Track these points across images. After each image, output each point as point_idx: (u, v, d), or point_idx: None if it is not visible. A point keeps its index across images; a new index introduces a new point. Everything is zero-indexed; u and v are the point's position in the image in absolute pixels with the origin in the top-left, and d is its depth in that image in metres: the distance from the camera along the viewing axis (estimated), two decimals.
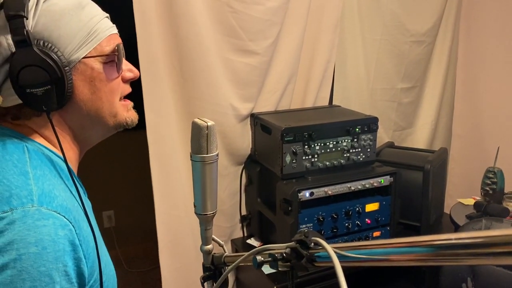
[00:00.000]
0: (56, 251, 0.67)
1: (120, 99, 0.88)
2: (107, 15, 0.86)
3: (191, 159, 0.83)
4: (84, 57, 0.79)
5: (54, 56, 0.75)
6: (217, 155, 0.83)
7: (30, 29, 0.74)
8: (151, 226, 1.86)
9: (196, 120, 0.82)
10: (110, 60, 0.83)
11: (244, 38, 1.84)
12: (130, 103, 0.91)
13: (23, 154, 0.75)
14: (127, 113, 0.89)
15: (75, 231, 0.71)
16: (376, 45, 2.29)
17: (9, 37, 0.73)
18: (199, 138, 0.81)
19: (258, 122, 1.92)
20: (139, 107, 1.75)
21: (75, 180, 0.80)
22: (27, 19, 0.73)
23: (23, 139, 0.78)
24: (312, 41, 2.08)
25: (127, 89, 0.90)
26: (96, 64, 0.81)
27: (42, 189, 0.71)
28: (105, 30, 0.83)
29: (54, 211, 0.69)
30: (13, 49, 0.73)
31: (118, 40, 0.86)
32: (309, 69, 2.11)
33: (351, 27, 2.21)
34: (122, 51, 0.86)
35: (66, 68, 0.77)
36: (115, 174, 3.33)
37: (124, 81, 0.89)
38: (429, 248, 0.51)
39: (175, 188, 1.86)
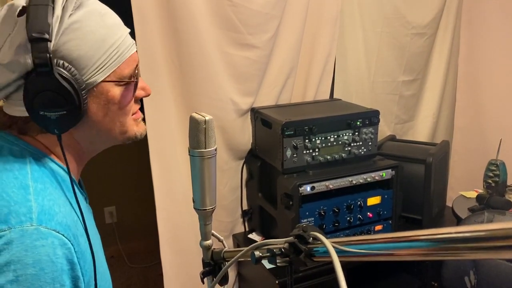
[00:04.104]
0: (54, 271, 0.66)
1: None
2: (129, 30, 0.83)
3: (189, 154, 0.82)
4: (102, 81, 0.77)
5: (73, 82, 0.72)
6: (216, 149, 0.82)
7: (51, 48, 0.70)
8: (153, 222, 1.85)
9: (194, 114, 0.80)
10: (128, 84, 0.81)
11: (243, 32, 1.83)
12: (139, 116, 0.89)
13: (25, 166, 0.73)
14: (136, 128, 0.88)
15: (74, 249, 0.70)
16: (377, 38, 2.27)
17: (29, 56, 0.69)
18: (197, 133, 0.80)
19: (258, 116, 1.91)
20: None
21: (76, 191, 0.77)
22: (50, 42, 0.69)
23: (27, 147, 0.76)
24: (312, 34, 2.07)
25: (137, 106, 0.88)
26: (113, 88, 0.79)
27: (42, 205, 0.69)
28: (126, 51, 0.80)
29: (54, 230, 0.68)
30: (31, 68, 0.70)
31: (136, 60, 0.84)
32: (309, 62, 2.10)
33: (352, 19, 2.20)
34: (138, 72, 0.84)
35: (83, 92, 0.74)
36: (117, 170, 3.33)
37: (136, 100, 0.87)
38: (429, 243, 0.50)
39: (175, 183, 1.85)
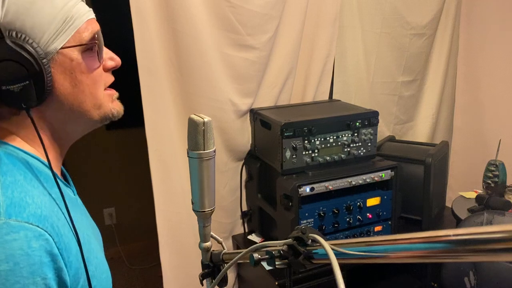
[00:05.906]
0: (31, 265, 0.63)
1: (104, 89, 0.82)
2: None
3: (188, 156, 0.82)
4: (62, 47, 0.74)
5: (30, 48, 0.69)
6: (214, 151, 0.82)
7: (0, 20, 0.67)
8: (153, 223, 1.85)
9: (193, 116, 0.80)
10: (90, 49, 0.78)
11: (243, 32, 1.83)
12: (114, 93, 0.85)
13: None
14: (111, 104, 0.83)
15: (53, 239, 0.67)
16: (376, 38, 2.27)
17: None
18: (196, 135, 0.79)
19: (257, 117, 1.91)
20: (136, 104, 1.75)
21: (58, 182, 0.74)
22: None
23: None
24: (311, 35, 2.06)
25: (110, 78, 0.84)
26: (75, 54, 0.75)
27: (11, 198, 0.66)
28: (82, 15, 0.76)
29: (26, 222, 0.65)
30: None
31: (97, 26, 0.80)
32: (308, 63, 2.10)
33: (351, 20, 2.20)
34: (102, 38, 0.80)
35: (44, 61, 0.71)
36: (117, 171, 3.33)
37: (106, 70, 0.83)
38: (427, 245, 0.50)
39: (174, 185, 1.85)
